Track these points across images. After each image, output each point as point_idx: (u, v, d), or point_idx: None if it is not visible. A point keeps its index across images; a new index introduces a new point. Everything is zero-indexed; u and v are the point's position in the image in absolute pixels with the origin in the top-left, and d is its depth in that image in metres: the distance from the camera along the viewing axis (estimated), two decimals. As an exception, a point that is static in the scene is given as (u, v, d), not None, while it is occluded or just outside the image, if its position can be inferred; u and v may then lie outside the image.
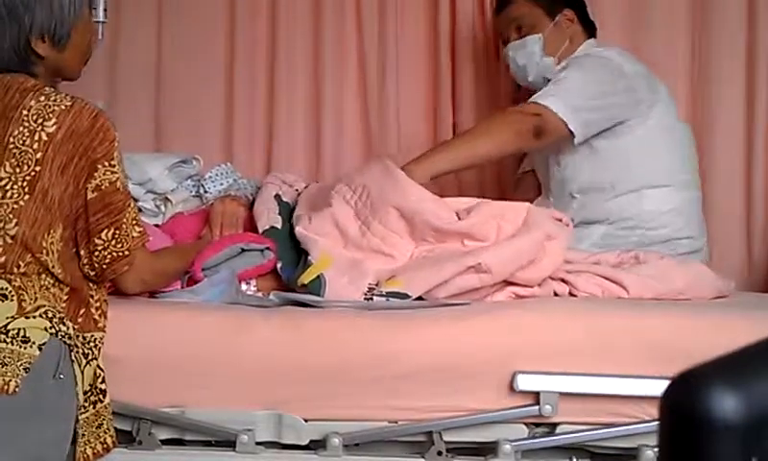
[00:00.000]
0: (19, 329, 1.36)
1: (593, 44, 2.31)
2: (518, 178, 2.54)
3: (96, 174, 1.48)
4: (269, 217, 1.97)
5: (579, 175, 2.22)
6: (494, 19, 2.46)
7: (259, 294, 1.86)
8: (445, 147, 2.08)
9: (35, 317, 1.39)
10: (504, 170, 2.60)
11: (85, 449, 1.45)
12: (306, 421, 1.59)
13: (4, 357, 1.33)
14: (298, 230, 1.86)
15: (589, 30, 2.35)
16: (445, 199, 1.87)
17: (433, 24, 2.68)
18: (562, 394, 1.56)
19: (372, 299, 1.71)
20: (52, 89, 1.53)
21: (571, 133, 2.08)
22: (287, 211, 2.00)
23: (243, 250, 1.87)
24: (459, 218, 1.80)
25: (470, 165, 2.18)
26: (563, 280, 1.83)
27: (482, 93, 2.65)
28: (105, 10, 2.58)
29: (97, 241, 1.50)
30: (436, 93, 2.68)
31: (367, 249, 1.80)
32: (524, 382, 1.56)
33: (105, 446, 1.48)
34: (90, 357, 1.48)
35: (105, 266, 1.52)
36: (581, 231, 2.14)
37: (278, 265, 1.87)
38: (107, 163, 1.49)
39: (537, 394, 1.56)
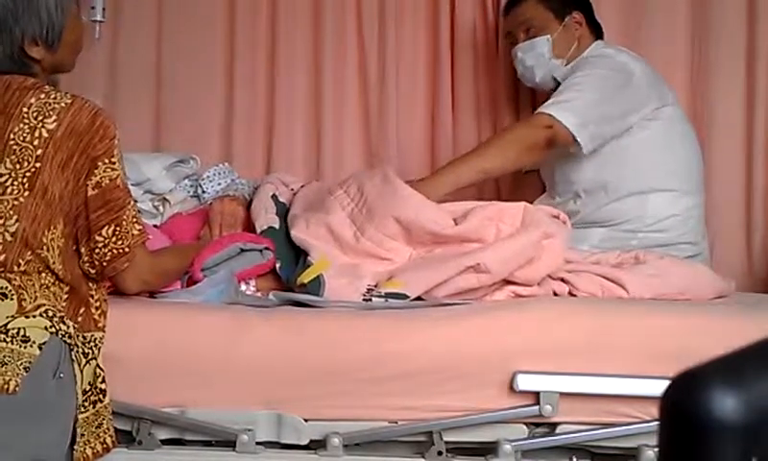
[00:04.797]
0: (19, 329, 1.37)
1: (602, 45, 2.31)
2: (521, 176, 2.53)
3: (96, 171, 1.48)
4: (266, 217, 1.97)
5: (582, 175, 2.22)
6: (503, 20, 2.46)
7: (258, 294, 1.86)
8: (457, 165, 2.07)
9: (35, 316, 1.39)
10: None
11: (85, 449, 1.45)
12: (306, 421, 1.59)
13: (4, 357, 1.33)
14: (294, 233, 1.86)
15: (597, 32, 2.35)
16: (442, 204, 1.87)
17: (433, 25, 2.67)
18: (562, 394, 1.56)
19: (370, 300, 1.71)
20: (52, 87, 1.53)
21: (580, 146, 2.09)
22: (283, 212, 2.00)
23: (242, 250, 1.87)
24: (456, 223, 1.80)
25: (484, 180, 2.19)
26: (562, 280, 1.83)
27: (481, 94, 2.65)
28: (103, 9, 2.59)
29: (97, 238, 1.50)
30: (436, 94, 2.67)
31: (362, 253, 1.80)
32: (524, 382, 1.56)
33: (104, 446, 1.48)
34: (90, 357, 1.48)
35: (105, 263, 1.52)
36: (579, 233, 2.14)
37: (278, 265, 1.87)
38: (107, 160, 1.49)
39: (537, 394, 1.56)
